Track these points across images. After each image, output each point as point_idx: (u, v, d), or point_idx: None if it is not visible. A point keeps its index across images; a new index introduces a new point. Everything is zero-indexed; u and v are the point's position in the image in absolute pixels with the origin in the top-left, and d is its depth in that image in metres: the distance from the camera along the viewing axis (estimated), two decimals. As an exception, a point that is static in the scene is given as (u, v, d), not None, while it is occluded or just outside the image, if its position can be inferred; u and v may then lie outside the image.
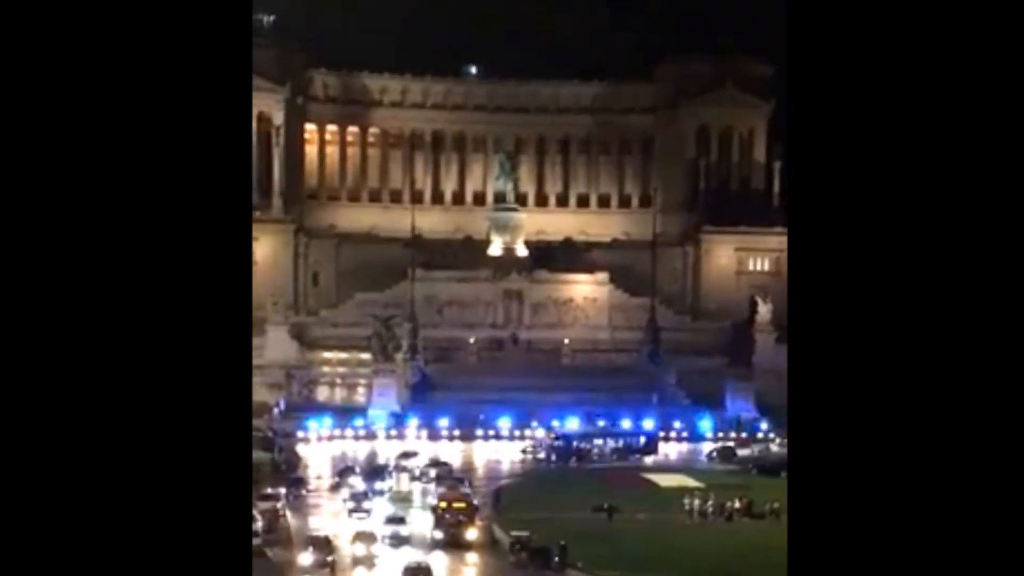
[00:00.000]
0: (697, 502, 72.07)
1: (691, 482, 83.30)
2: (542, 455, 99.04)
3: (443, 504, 65.18)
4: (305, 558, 55.31)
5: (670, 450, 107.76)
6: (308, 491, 79.68)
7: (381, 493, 75.16)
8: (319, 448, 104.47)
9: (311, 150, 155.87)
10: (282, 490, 72.89)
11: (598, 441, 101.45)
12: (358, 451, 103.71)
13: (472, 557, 60.32)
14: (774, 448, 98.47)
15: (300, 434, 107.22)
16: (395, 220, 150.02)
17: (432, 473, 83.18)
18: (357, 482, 77.32)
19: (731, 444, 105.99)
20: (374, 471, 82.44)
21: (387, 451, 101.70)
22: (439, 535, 62.16)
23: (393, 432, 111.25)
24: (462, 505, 65.23)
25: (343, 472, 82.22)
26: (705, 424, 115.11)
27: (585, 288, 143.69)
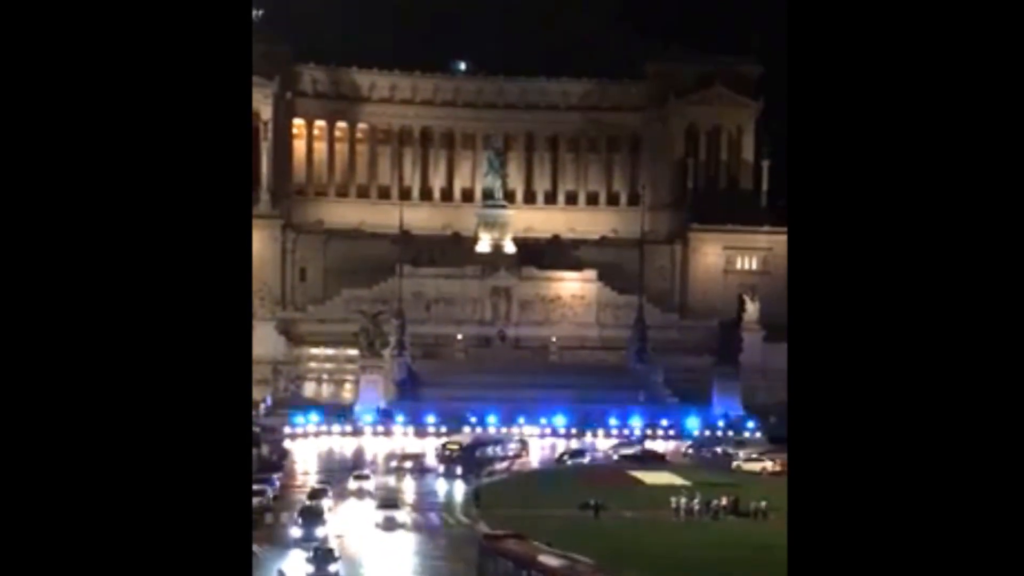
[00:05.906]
0: (684, 500, 72.26)
1: (678, 480, 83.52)
2: (439, 467, 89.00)
3: None
4: None
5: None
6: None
7: (325, 548, 55.20)
8: (306, 444, 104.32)
9: (299, 145, 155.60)
10: (267, 487, 72.48)
11: (490, 452, 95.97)
12: (344, 448, 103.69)
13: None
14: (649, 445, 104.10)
15: (287, 430, 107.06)
16: (383, 216, 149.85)
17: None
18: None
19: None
20: (311, 511, 63.59)
21: (374, 448, 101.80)
22: None
23: (380, 428, 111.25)
24: None
25: (313, 495, 69.66)
26: (692, 422, 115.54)
27: (573, 286, 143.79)
